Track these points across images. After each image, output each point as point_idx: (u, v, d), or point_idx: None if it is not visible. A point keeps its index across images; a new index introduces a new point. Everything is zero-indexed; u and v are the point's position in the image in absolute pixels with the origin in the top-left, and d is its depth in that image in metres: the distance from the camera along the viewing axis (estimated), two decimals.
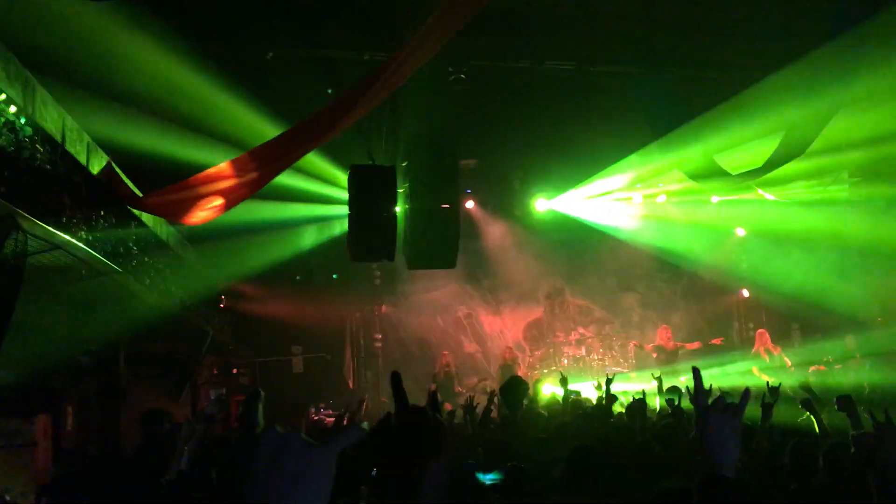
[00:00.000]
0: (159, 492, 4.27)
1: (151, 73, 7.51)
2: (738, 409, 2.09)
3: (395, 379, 1.67)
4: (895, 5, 7.55)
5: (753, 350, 15.46)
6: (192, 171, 6.56)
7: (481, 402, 7.89)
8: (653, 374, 8.95)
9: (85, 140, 5.97)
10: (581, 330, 16.66)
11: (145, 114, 7.58)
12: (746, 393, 2.16)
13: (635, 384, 12.95)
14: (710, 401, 2.12)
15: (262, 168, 6.47)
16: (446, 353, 15.46)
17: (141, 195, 6.89)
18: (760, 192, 14.04)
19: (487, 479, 3.38)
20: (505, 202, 15.56)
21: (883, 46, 8.04)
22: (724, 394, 6.96)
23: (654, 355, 15.20)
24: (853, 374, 12.60)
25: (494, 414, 7.63)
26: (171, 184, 6.59)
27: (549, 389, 12.89)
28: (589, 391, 10.60)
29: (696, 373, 2.21)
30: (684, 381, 10.83)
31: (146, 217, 7.46)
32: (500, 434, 6.36)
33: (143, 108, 7.52)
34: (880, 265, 13.98)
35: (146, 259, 7.54)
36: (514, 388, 6.82)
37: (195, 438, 4.42)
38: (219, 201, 6.58)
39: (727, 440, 2.05)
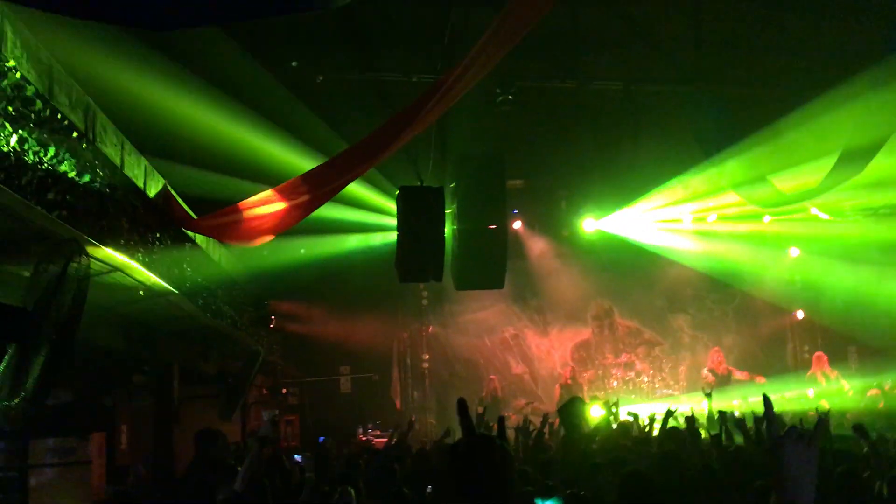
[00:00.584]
0: None
1: (203, 98, 7.69)
2: (812, 439, 1.96)
3: (462, 407, 1.64)
4: None
5: (809, 373, 15.06)
6: (244, 194, 6.68)
7: (533, 424, 7.81)
8: (703, 391, 8.75)
9: (142, 164, 6.11)
10: (626, 356, 16.46)
11: (198, 139, 7.77)
12: (821, 421, 2.06)
13: (684, 406, 12.73)
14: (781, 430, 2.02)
15: (313, 192, 6.54)
16: (494, 377, 15.39)
17: (195, 217, 7.02)
18: (815, 210, 13.77)
19: None
20: (552, 222, 15.47)
21: None
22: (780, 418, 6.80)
23: (704, 378, 14.92)
24: None
25: (547, 437, 7.56)
26: (223, 207, 6.72)
27: (597, 412, 12.69)
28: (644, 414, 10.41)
29: (767, 401, 2.12)
30: (737, 404, 10.61)
31: (200, 239, 7.59)
32: (558, 456, 6.28)
33: (196, 133, 7.70)
34: None
35: (199, 280, 7.66)
36: (575, 410, 6.74)
37: (251, 459, 4.46)
38: (271, 224, 6.66)
39: (804, 473, 1.93)
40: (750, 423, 6.78)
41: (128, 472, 8.82)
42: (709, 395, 8.20)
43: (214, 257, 8.54)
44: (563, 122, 11.68)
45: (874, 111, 8.72)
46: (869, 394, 13.42)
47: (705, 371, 15.20)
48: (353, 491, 4.96)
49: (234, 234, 6.97)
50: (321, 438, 11.13)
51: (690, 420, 7.12)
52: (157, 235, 6.16)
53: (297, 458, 8.32)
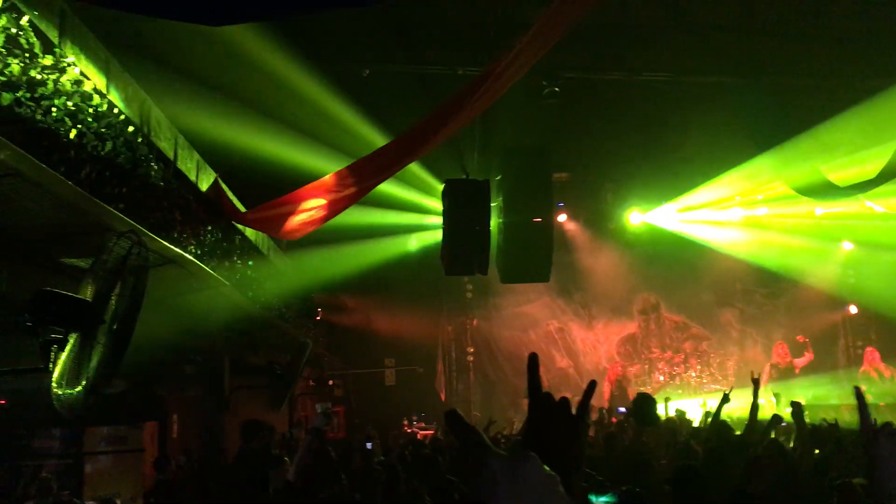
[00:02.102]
0: (266, 500, 4.38)
1: (254, 91, 7.80)
2: None
3: (532, 363, 1.54)
4: None
5: (861, 370, 14.73)
6: (292, 187, 6.76)
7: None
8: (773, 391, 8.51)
9: (195, 158, 6.22)
10: (673, 352, 16.30)
11: (249, 130, 7.88)
12: None
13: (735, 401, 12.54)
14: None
15: (359, 183, 6.59)
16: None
17: (244, 210, 7.12)
18: (868, 203, 13.44)
19: (601, 501, 3.29)
20: (597, 215, 15.37)
21: None
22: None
23: (767, 374, 14.65)
24: None
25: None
26: (272, 199, 6.80)
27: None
28: (694, 410, 10.30)
29: (860, 395, 2.09)
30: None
31: (249, 232, 7.70)
32: (601, 454, 6.23)
33: (248, 123, 7.81)
34: None
35: (249, 272, 7.77)
36: (646, 405, 6.69)
37: (304, 451, 4.52)
38: (318, 215, 6.73)
39: None
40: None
41: (169, 461, 8.99)
42: (776, 396, 7.99)
43: (264, 251, 8.66)
44: (609, 114, 11.56)
45: None
46: None
47: (768, 367, 14.91)
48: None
49: (280, 226, 7.05)
50: (369, 427, 11.26)
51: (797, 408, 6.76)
52: (209, 228, 6.26)
53: (369, 445, 8.48)
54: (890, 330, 15.68)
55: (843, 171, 10.92)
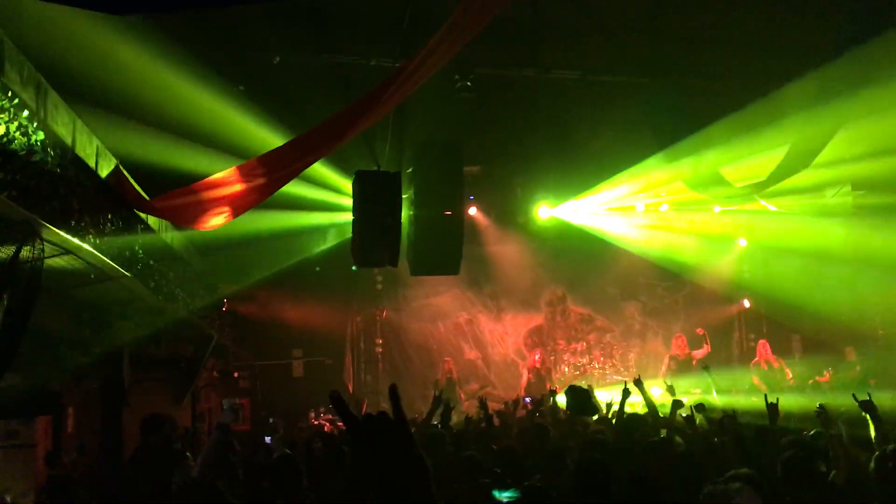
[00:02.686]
0: (168, 497, 4.27)
1: (155, 81, 7.54)
2: None
3: (335, 400, 1.50)
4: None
5: (754, 361, 15.44)
6: (199, 177, 6.58)
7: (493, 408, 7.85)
8: (665, 382, 8.76)
9: (94, 143, 5.97)
10: (578, 343, 16.70)
11: (151, 121, 7.62)
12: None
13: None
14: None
15: (270, 174, 6.48)
16: (448, 359, 15.48)
17: (148, 199, 6.89)
18: (763, 202, 14.08)
19: (504, 496, 3.34)
20: (508, 209, 15.55)
21: (889, 64, 8.07)
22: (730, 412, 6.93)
23: (666, 365, 15.15)
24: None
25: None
26: (177, 187, 6.60)
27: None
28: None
29: (871, 405, 2.20)
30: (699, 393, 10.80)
31: (152, 221, 7.46)
32: (517, 445, 6.32)
33: (149, 115, 7.55)
34: (882, 277, 13.99)
35: (151, 263, 7.53)
36: (583, 397, 6.81)
37: (209, 447, 4.42)
38: (226, 207, 6.59)
39: None
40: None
41: (60, 456, 8.65)
42: (670, 388, 8.18)
43: (167, 240, 8.41)
44: (521, 109, 11.72)
45: (822, 109, 8.95)
46: (810, 382, 13.85)
47: (667, 359, 15.42)
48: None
49: (188, 216, 6.88)
50: (270, 420, 11.04)
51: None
52: (109, 217, 6.03)
53: (268, 439, 8.24)
54: (779, 323, 16.51)
55: (739, 172, 11.41)
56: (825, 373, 14.08)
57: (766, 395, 6.28)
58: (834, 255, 13.74)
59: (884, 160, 11.16)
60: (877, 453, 4.60)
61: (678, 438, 6.23)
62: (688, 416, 6.65)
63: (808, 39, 9.75)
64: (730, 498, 1.99)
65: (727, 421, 5.90)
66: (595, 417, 7.33)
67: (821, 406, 5.77)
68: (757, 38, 10.40)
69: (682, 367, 14.73)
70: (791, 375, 14.37)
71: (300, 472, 5.01)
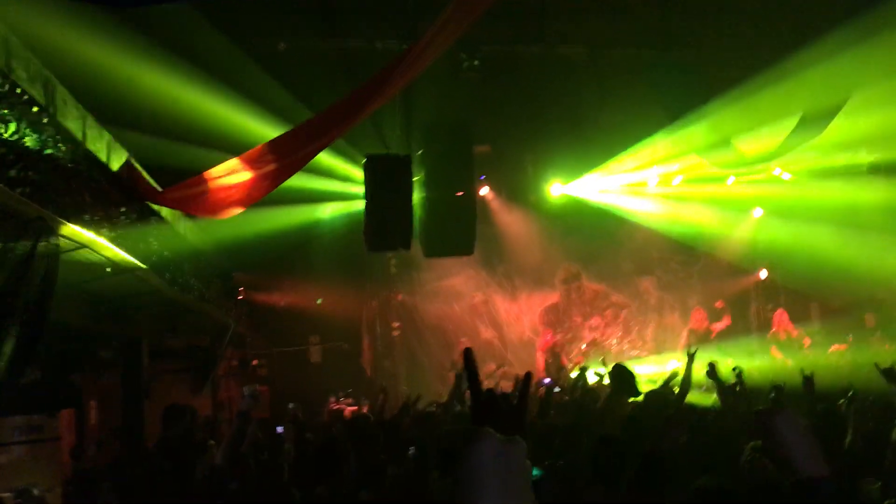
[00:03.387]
0: (193, 486, 4.30)
1: (165, 68, 7.54)
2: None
3: (468, 358, 1.50)
4: None
5: (771, 332, 15.38)
6: (209, 165, 6.57)
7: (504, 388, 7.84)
8: (687, 351, 8.61)
9: (105, 137, 5.97)
10: (595, 319, 16.68)
11: (160, 113, 7.62)
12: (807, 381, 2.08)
13: (653, 367, 12.95)
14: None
15: (280, 160, 6.45)
16: (464, 339, 15.49)
17: (160, 190, 6.90)
18: (777, 171, 13.97)
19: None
20: (519, 187, 15.50)
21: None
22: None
23: (685, 339, 15.11)
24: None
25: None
26: (189, 178, 6.60)
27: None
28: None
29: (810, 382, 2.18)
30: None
31: (166, 212, 7.47)
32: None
33: (157, 108, 7.56)
34: None
35: (166, 254, 7.55)
36: (626, 376, 6.79)
37: (233, 434, 4.44)
38: (238, 196, 6.57)
39: (804, 443, 1.98)
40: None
41: (84, 449, 8.73)
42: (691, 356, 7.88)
43: (180, 230, 8.43)
44: (529, 87, 11.63)
45: (833, 75, 8.84)
46: (831, 349, 13.78)
47: (685, 332, 15.41)
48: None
49: (200, 206, 6.87)
50: (290, 405, 11.07)
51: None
52: (123, 210, 6.04)
53: (279, 429, 8.24)
54: (795, 293, 16.42)
55: (751, 141, 11.31)
56: (849, 338, 13.98)
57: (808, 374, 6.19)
58: (850, 220, 13.62)
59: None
60: None
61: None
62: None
63: (814, 7, 9.62)
64: (773, 414, 1.99)
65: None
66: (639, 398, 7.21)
67: (711, 364, 5.82)
68: (764, 7, 10.26)
69: (702, 340, 14.68)
70: (809, 343, 14.32)
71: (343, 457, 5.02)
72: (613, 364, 7.27)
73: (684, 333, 15.45)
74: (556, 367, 14.46)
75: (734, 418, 5.99)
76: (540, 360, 15.69)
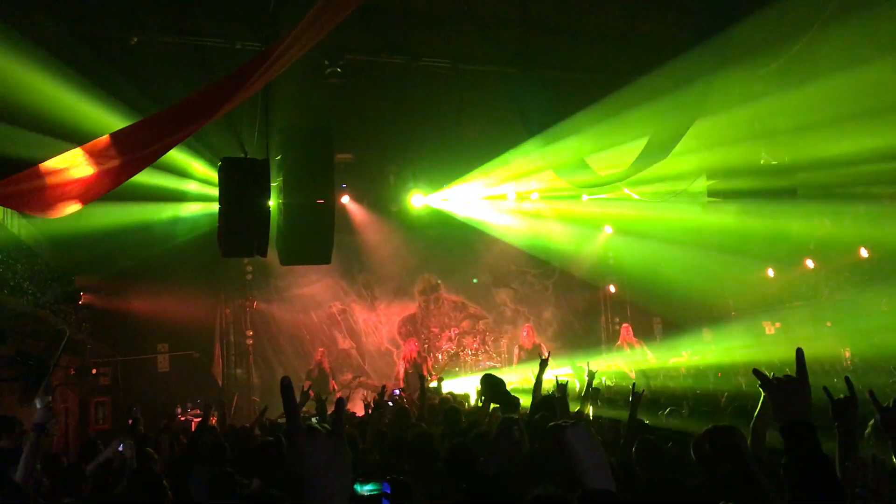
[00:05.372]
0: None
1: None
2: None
3: (285, 388, 1.61)
4: (745, 21, 8.03)
5: (617, 344, 16.11)
6: (44, 157, 6.13)
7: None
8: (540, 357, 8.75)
9: None
10: (451, 330, 16.89)
11: None
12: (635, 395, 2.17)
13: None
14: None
15: (125, 155, 6.12)
16: (321, 349, 15.27)
17: None
18: (626, 191, 14.63)
19: (365, 490, 3.26)
20: (381, 197, 15.49)
21: (737, 57, 8.53)
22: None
23: (516, 353, 15.59)
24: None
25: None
26: (21, 170, 6.13)
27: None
28: (465, 389, 10.62)
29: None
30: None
31: None
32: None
33: None
34: (735, 262, 14.88)
35: None
36: (499, 386, 6.75)
37: (28, 450, 4.16)
38: (77, 192, 6.18)
39: (594, 457, 2.05)
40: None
41: None
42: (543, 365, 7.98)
43: (13, 229, 7.85)
44: (393, 97, 11.64)
45: (676, 103, 9.36)
46: (671, 361, 14.57)
47: (516, 349, 15.95)
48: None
49: (35, 203, 6.41)
50: (132, 408, 10.49)
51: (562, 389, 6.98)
52: None
53: (121, 447, 7.65)
54: (640, 307, 17.28)
55: (603, 162, 11.80)
56: (683, 353, 14.84)
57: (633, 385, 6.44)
58: (691, 241, 14.48)
59: (735, 150, 11.84)
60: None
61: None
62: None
63: (664, 32, 10.19)
64: (565, 428, 2.08)
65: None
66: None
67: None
68: (618, 31, 10.74)
69: (530, 354, 15.16)
70: (651, 356, 15.08)
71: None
72: (484, 374, 7.31)
73: (515, 350, 16.05)
74: (416, 377, 14.52)
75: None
76: (400, 370, 15.69)
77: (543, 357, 7.43)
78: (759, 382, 2.44)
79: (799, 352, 2.44)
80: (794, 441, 2.26)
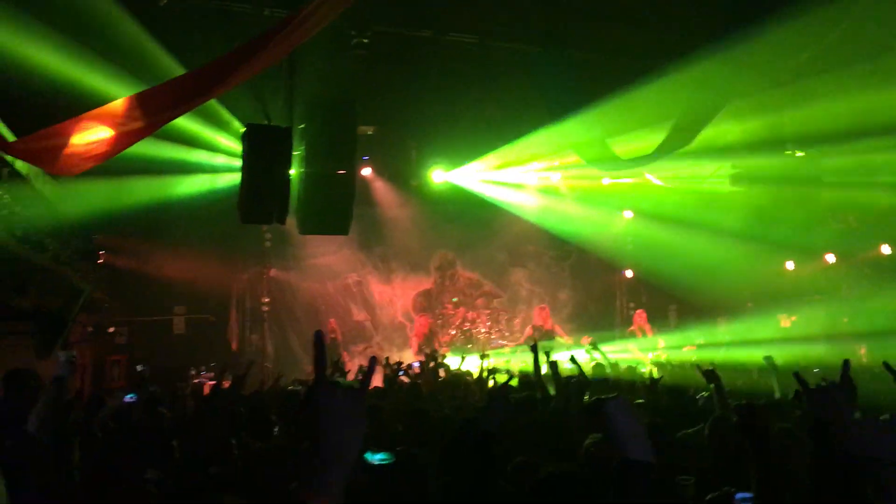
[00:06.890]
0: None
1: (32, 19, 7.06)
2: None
3: (318, 340, 1.80)
4: (777, 14, 7.90)
5: (630, 329, 16.08)
6: (71, 114, 6.18)
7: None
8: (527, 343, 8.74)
9: None
10: (465, 307, 16.93)
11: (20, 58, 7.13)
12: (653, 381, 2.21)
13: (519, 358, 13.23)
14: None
15: (147, 116, 6.15)
16: (333, 320, 15.37)
17: (14, 139, 6.45)
18: (648, 176, 14.55)
19: (376, 459, 3.28)
20: (401, 171, 15.47)
21: (767, 49, 8.41)
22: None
23: (531, 333, 15.57)
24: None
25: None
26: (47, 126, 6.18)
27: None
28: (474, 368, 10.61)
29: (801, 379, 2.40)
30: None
31: (20, 165, 7.02)
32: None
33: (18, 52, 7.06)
34: (753, 254, 14.75)
35: (18, 210, 7.09)
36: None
37: (44, 402, 4.21)
38: (100, 149, 6.22)
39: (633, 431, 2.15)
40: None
41: None
42: (533, 348, 7.81)
43: (40, 188, 7.94)
44: (418, 71, 11.59)
45: (705, 87, 9.26)
46: (684, 350, 14.52)
47: (529, 328, 15.91)
48: None
49: (56, 160, 6.46)
50: (138, 367, 10.61)
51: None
52: None
53: (127, 397, 7.80)
54: (656, 293, 17.20)
55: (627, 144, 11.72)
56: (696, 342, 14.79)
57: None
58: (712, 229, 14.36)
59: (763, 140, 11.72)
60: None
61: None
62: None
63: (695, 18, 10.04)
64: (607, 399, 2.19)
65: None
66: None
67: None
68: (647, 14, 10.61)
69: (545, 336, 15.12)
70: (663, 344, 15.03)
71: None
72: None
73: (528, 329, 16.01)
74: (429, 352, 14.57)
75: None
76: (414, 345, 15.77)
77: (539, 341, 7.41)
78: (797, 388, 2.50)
79: (845, 363, 2.50)
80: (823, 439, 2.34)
